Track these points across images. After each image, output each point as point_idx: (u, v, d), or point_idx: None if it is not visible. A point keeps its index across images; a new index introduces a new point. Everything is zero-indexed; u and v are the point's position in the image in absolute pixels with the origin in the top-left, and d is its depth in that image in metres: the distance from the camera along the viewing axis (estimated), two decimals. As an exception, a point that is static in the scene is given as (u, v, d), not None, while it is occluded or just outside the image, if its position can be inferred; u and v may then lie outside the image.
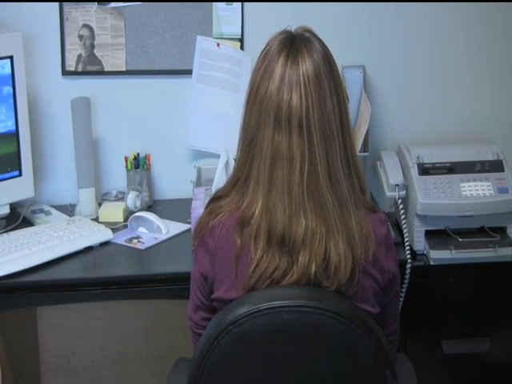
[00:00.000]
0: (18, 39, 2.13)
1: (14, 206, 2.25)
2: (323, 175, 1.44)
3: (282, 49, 1.46)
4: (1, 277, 1.90)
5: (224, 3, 2.34)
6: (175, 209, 2.33)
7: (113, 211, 2.27)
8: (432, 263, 2.07)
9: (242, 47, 2.37)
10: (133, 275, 2.02)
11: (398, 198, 2.10)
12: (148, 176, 2.38)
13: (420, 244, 2.11)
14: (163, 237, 2.15)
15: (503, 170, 2.14)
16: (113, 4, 2.32)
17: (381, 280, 1.51)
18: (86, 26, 2.33)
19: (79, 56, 2.35)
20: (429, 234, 2.10)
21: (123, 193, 2.37)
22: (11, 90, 2.13)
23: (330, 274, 1.43)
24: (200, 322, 1.58)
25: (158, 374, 2.33)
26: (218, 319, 1.43)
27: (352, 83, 2.21)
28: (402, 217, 2.09)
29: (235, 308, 1.40)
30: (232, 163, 2.13)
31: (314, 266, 1.42)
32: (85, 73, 2.36)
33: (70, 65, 2.35)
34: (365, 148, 2.17)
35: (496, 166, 2.15)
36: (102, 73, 2.37)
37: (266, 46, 1.50)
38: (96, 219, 2.25)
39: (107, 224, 2.19)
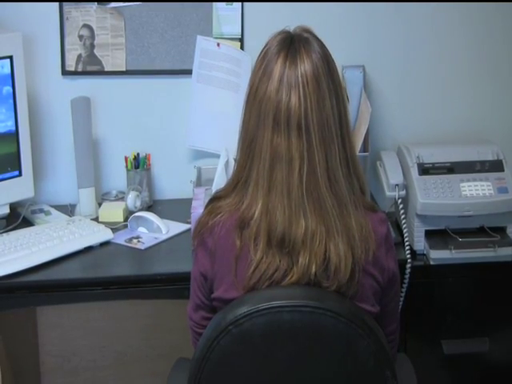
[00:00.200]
0: (17, 39, 2.13)
1: (13, 206, 2.25)
2: (322, 176, 1.44)
3: (280, 49, 1.46)
4: (1, 277, 1.90)
5: (224, 3, 2.34)
6: (175, 209, 2.33)
7: (113, 211, 2.27)
8: (432, 263, 2.07)
9: (242, 47, 2.37)
10: (133, 275, 2.02)
11: (398, 198, 2.10)
12: (148, 176, 2.38)
13: (420, 244, 2.11)
14: (163, 237, 2.15)
15: (503, 170, 2.14)
16: (113, 4, 2.32)
17: (381, 279, 1.51)
18: (85, 25, 2.33)
19: (79, 56, 2.35)
20: (429, 234, 2.10)
21: (123, 193, 2.37)
22: (11, 90, 2.13)
23: (330, 274, 1.43)
24: (200, 321, 1.58)
25: (158, 373, 2.33)
26: (217, 319, 1.43)
27: (352, 83, 2.21)
28: (402, 217, 2.10)
29: (235, 308, 1.40)
30: (232, 163, 2.13)
31: (314, 266, 1.43)
32: (85, 73, 2.36)
33: (70, 65, 2.35)
34: (365, 148, 2.17)
35: (496, 166, 2.15)
36: (101, 73, 2.37)
37: (264, 47, 1.50)
38: (96, 219, 2.25)
39: (107, 224, 2.19)
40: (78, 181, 2.29)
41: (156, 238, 2.14)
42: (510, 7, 2.40)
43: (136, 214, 2.22)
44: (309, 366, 1.42)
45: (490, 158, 2.17)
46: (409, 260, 2.04)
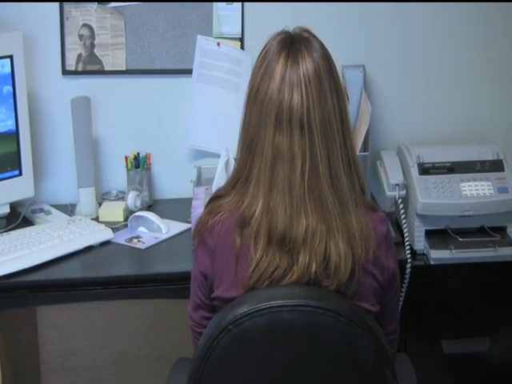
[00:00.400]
0: (18, 38, 2.13)
1: (14, 206, 2.25)
2: (324, 174, 1.44)
3: (281, 49, 1.46)
4: (1, 276, 1.90)
5: (224, 3, 2.34)
6: (175, 208, 2.33)
7: (113, 211, 2.27)
8: (432, 263, 2.07)
9: (242, 47, 2.37)
10: (133, 275, 2.02)
11: (398, 198, 2.10)
12: (148, 175, 2.38)
13: (420, 244, 2.11)
14: (163, 236, 2.15)
15: (503, 170, 2.14)
16: (113, 4, 2.32)
17: (381, 278, 1.51)
18: (86, 25, 2.33)
19: (79, 55, 2.35)
20: (429, 234, 2.10)
21: (123, 192, 2.37)
22: (11, 90, 2.13)
23: (330, 273, 1.43)
24: (200, 321, 1.58)
25: (159, 373, 2.33)
26: (218, 319, 1.43)
27: (352, 83, 2.21)
28: (402, 216, 2.09)
29: (235, 307, 1.40)
30: (232, 163, 2.13)
31: (314, 265, 1.43)
32: (85, 72, 2.36)
33: (70, 64, 2.35)
34: (365, 148, 2.17)
35: (496, 166, 2.15)
36: (102, 72, 2.37)
37: (264, 47, 1.50)
38: (96, 219, 2.25)
39: (107, 223, 2.19)
40: (78, 180, 2.29)
41: (156, 238, 2.14)
42: (510, 7, 2.40)
43: (136, 214, 2.22)
44: (309, 366, 1.42)
45: (490, 157, 2.17)
46: (409, 260, 2.04)
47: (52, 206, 2.33)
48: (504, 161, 2.16)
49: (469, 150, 2.19)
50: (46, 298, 1.98)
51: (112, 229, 2.15)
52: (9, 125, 2.15)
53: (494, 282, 2.11)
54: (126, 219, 2.24)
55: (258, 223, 1.45)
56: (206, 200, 1.64)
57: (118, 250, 2.09)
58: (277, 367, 1.42)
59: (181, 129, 2.40)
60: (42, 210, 2.30)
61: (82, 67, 2.36)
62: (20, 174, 2.19)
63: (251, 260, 1.44)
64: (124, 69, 2.37)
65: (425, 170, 2.13)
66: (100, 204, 2.32)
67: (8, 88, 2.13)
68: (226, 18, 2.36)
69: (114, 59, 2.36)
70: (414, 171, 2.13)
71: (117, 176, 2.41)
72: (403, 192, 2.11)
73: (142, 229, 2.19)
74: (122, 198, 2.35)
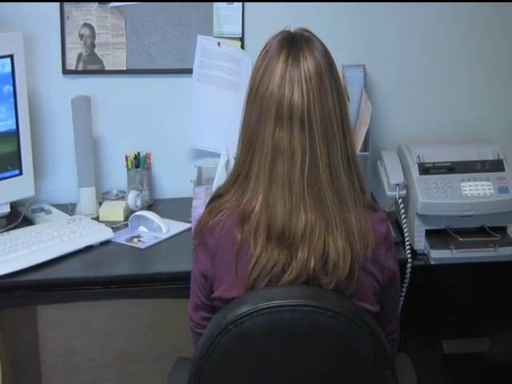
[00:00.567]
0: (18, 38, 2.13)
1: (14, 205, 2.25)
2: (324, 170, 1.44)
3: (282, 47, 1.47)
4: (1, 276, 1.90)
5: (225, 3, 2.34)
6: (176, 208, 2.33)
7: (113, 210, 2.27)
8: (432, 263, 2.07)
9: (242, 46, 2.37)
10: (133, 274, 2.02)
11: (399, 198, 2.10)
12: (148, 175, 2.38)
13: (420, 243, 2.11)
14: (164, 236, 2.15)
15: (503, 170, 2.14)
16: (113, 3, 2.32)
17: (380, 278, 1.51)
18: (86, 25, 2.33)
19: (80, 55, 2.35)
20: (429, 234, 2.10)
21: (124, 192, 2.37)
22: (11, 89, 2.13)
23: (329, 270, 1.44)
24: (200, 321, 1.58)
25: (159, 373, 2.34)
26: (218, 318, 1.43)
27: (352, 82, 2.21)
28: (403, 216, 2.09)
29: (235, 307, 1.40)
30: (232, 162, 2.13)
31: (312, 261, 1.43)
32: (85, 72, 2.36)
33: (71, 64, 2.35)
34: (365, 147, 2.17)
35: (496, 166, 2.15)
36: (102, 72, 2.37)
37: (265, 46, 1.51)
38: (96, 218, 2.25)
39: (108, 223, 2.19)
40: (79, 180, 2.29)
41: (156, 238, 2.14)
42: (509, 7, 2.40)
43: (136, 213, 2.22)
44: (309, 366, 1.42)
45: (490, 157, 2.17)
46: (409, 260, 2.04)
47: (52, 205, 2.33)
48: (504, 161, 2.16)
49: (469, 149, 2.19)
50: (46, 298, 1.98)
51: (112, 228, 2.15)
52: (9, 124, 2.15)
53: (495, 281, 2.11)
54: (126, 219, 2.24)
55: (257, 219, 1.45)
56: (206, 200, 1.64)
57: (119, 249, 2.09)
58: (277, 367, 1.42)
59: (181, 128, 2.40)
60: (42, 210, 2.30)
61: (83, 67, 2.36)
62: (20, 173, 2.19)
63: (251, 256, 1.45)
64: (124, 68, 2.37)
65: (425, 169, 2.13)
66: (100, 203, 2.32)
67: (8, 87, 2.13)
68: (227, 17, 2.35)
69: (114, 59, 2.36)
70: (415, 171, 2.13)
71: (117, 175, 2.40)
72: (403, 192, 2.11)
73: (142, 228, 2.19)
74: (123, 198, 2.35)
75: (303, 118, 1.43)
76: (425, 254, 2.10)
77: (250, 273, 1.45)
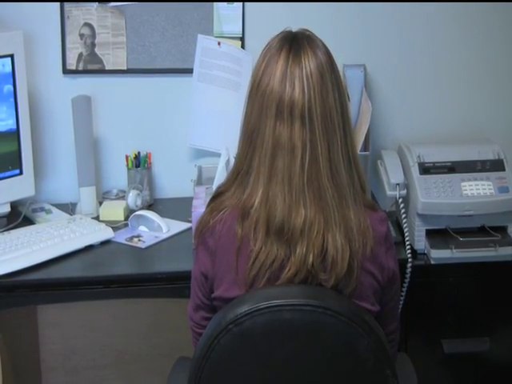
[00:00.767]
0: (18, 37, 2.13)
1: (14, 205, 2.25)
2: (324, 166, 1.45)
3: (283, 44, 1.48)
4: (1, 275, 1.90)
5: (225, 2, 2.34)
6: (176, 207, 2.33)
7: (113, 210, 2.27)
8: (433, 262, 2.07)
9: (242, 46, 2.37)
10: (133, 274, 2.02)
11: (399, 197, 2.10)
12: (149, 175, 2.38)
13: (421, 243, 2.11)
14: (164, 235, 2.15)
15: (504, 170, 2.14)
16: (113, 3, 2.32)
17: (380, 278, 1.51)
18: (86, 24, 2.33)
19: (80, 54, 2.35)
20: (429, 234, 2.10)
21: (124, 191, 2.37)
22: (12, 89, 2.13)
23: (328, 266, 1.44)
24: (200, 321, 1.58)
25: (159, 372, 2.33)
26: (218, 318, 1.43)
27: (353, 82, 2.21)
28: (403, 216, 2.09)
29: (235, 307, 1.40)
30: (233, 162, 2.13)
31: (311, 256, 1.43)
32: (86, 71, 2.36)
33: (71, 63, 2.35)
34: (365, 147, 2.17)
35: (497, 166, 2.15)
36: (102, 71, 2.37)
37: (266, 45, 1.51)
38: (97, 218, 2.25)
39: (108, 223, 2.19)
40: (79, 179, 2.29)
41: (157, 237, 2.14)
42: (509, 7, 2.40)
43: (137, 213, 2.22)
44: (309, 365, 1.42)
45: (490, 157, 2.17)
46: (409, 259, 2.04)
47: (52, 205, 2.33)
48: (505, 160, 2.16)
49: (469, 149, 2.19)
50: (46, 297, 1.98)
51: (112, 228, 2.15)
52: (9, 124, 2.15)
53: (495, 281, 2.11)
54: (126, 218, 2.24)
55: (257, 214, 1.45)
56: (207, 199, 1.64)
57: (119, 249, 2.09)
58: (277, 366, 1.42)
59: (181, 128, 2.40)
60: (42, 209, 2.30)
61: (83, 66, 2.36)
62: (21, 173, 2.19)
63: (251, 252, 1.45)
64: (125, 68, 2.37)
65: (425, 169, 2.13)
66: (100, 203, 2.32)
67: (9, 87, 2.13)
68: (227, 17, 2.35)
69: (114, 58, 2.36)
70: (415, 171, 2.13)
71: (117, 175, 2.41)
72: (404, 191, 2.11)
73: (142, 228, 2.19)
74: (123, 197, 2.35)
75: (304, 113, 1.44)
76: (425, 254, 2.10)
77: (249, 268, 1.45)
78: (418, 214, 2.09)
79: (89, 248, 2.07)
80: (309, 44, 1.47)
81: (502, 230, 2.11)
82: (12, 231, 2.10)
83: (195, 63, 2.36)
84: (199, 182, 2.29)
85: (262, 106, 1.46)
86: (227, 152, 2.19)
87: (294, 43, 1.47)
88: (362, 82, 2.24)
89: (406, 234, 2.07)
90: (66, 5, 2.31)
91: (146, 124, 2.42)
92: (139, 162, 2.36)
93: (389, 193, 2.12)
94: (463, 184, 2.10)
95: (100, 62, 2.36)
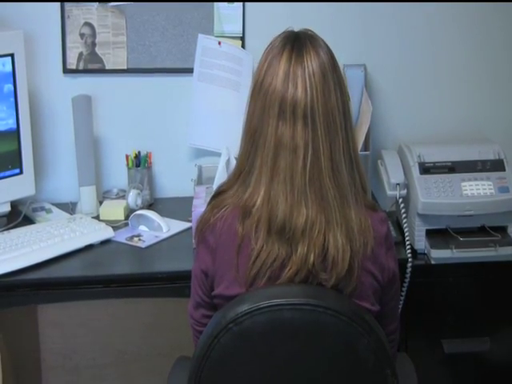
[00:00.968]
0: (19, 37, 2.13)
1: (14, 204, 2.25)
2: (326, 166, 1.45)
3: (285, 44, 1.48)
4: (2, 275, 1.90)
5: (225, 2, 2.34)
6: (176, 207, 2.33)
7: (114, 209, 2.27)
8: (433, 262, 2.07)
9: (243, 45, 2.37)
10: (133, 273, 2.02)
11: (399, 197, 2.10)
12: (149, 174, 2.38)
13: (421, 243, 2.11)
14: (164, 235, 2.15)
15: (504, 170, 2.14)
16: (114, 2, 2.32)
17: (381, 278, 1.51)
18: (87, 24, 2.34)
19: (80, 54, 2.35)
20: (430, 233, 2.10)
21: (124, 191, 2.37)
22: (12, 88, 2.13)
23: (328, 266, 1.44)
24: (200, 319, 1.58)
25: (159, 372, 2.33)
26: (218, 317, 1.43)
27: (353, 82, 2.21)
28: (403, 216, 2.09)
29: (236, 306, 1.40)
30: (233, 161, 2.13)
31: (312, 256, 1.43)
32: (86, 71, 2.36)
33: (71, 63, 2.35)
34: (366, 147, 2.17)
35: (497, 166, 2.15)
36: (103, 71, 2.37)
37: (269, 45, 1.52)
38: (97, 217, 2.25)
39: (108, 222, 2.19)
40: (79, 179, 2.29)
41: (157, 237, 2.14)
42: (509, 7, 2.40)
43: (137, 213, 2.22)
44: (309, 364, 1.42)
45: (491, 157, 2.17)
46: (409, 259, 2.04)
47: (53, 204, 2.33)
48: (505, 160, 2.16)
49: (470, 149, 2.19)
50: (46, 297, 1.98)
51: (113, 227, 2.15)
52: (10, 123, 2.15)
53: (495, 281, 2.11)
54: (126, 218, 2.24)
55: (259, 213, 1.46)
56: (207, 199, 1.64)
57: (119, 248, 2.09)
58: (277, 366, 1.42)
59: (182, 127, 2.40)
60: (42, 209, 2.30)
61: (83, 66, 2.36)
62: (21, 172, 2.19)
63: (252, 250, 1.45)
64: (125, 67, 2.37)
65: (426, 169, 2.13)
66: (101, 202, 2.32)
67: (9, 86, 2.13)
68: (227, 16, 2.35)
69: (115, 58, 2.36)
70: (415, 170, 2.13)
71: (118, 174, 2.41)
72: (404, 191, 2.11)
73: (142, 227, 2.19)
74: (123, 197, 2.35)
75: (306, 113, 1.44)
76: (425, 254, 2.10)
77: (250, 267, 1.45)
78: (418, 213, 2.09)
79: (89, 247, 2.07)
80: (311, 44, 1.48)
81: (502, 230, 2.11)
82: (12, 230, 2.10)
83: (195, 63, 2.36)
84: (199, 181, 2.29)
85: (265, 106, 1.46)
86: (227, 151, 2.19)
87: (297, 43, 1.47)
88: (362, 82, 2.24)
89: (406, 234, 2.07)
90: (67, 4, 2.31)
91: (147, 123, 2.42)
92: (139, 162, 2.36)
93: (389, 193, 2.12)
94: (463, 184, 2.10)
95: (100, 61, 2.36)
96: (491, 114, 2.48)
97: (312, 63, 1.45)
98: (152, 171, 2.40)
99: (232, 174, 1.56)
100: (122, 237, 2.14)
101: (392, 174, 2.13)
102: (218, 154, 2.25)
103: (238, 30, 2.36)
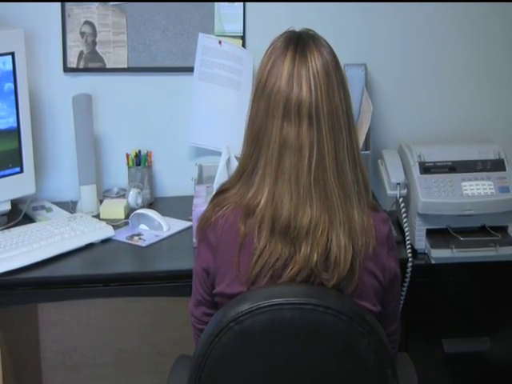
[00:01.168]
0: (19, 36, 2.13)
1: (15, 203, 2.25)
2: (331, 165, 1.45)
3: (288, 44, 1.48)
4: (2, 273, 1.90)
5: (226, 2, 2.34)
6: (176, 206, 2.33)
7: (114, 208, 2.27)
8: (433, 262, 2.07)
9: (243, 45, 2.37)
10: (134, 272, 2.02)
11: (400, 197, 2.10)
12: (149, 173, 2.38)
13: (421, 243, 2.11)
14: (164, 234, 2.15)
15: (504, 170, 2.14)
16: (114, 1, 2.32)
17: (382, 279, 1.51)
18: (87, 22, 2.33)
19: (81, 53, 2.35)
20: (430, 233, 2.10)
21: (124, 190, 2.37)
22: (12, 87, 2.13)
23: (330, 265, 1.44)
24: (201, 317, 1.58)
25: (159, 371, 2.33)
26: (219, 316, 1.43)
27: (354, 81, 2.21)
28: (403, 215, 2.09)
29: (236, 305, 1.40)
30: (233, 161, 2.13)
31: (315, 255, 1.43)
32: (86, 70, 2.36)
33: (72, 61, 2.35)
34: (366, 146, 2.18)
35: (497, 166, 2.14)
36: (103, 70, 2.37)
37: (271, 45, 1.52)
38: (97, 216, 2.25)
39: (108, 221, 2.19)
40: (80, 178, 2.29)
41: (157, 236, 2.14)
42: (509, 7, 2.40)
43: (137, 211, 2.22)
44: (309, 364, 1.42)
45: (491, 157, 2.17)
46: (410, 259, 2.04)
47: (53, 203, 2.33)
48: (505, 160, 2.16)
49: (470, 149, 2.19)
50: (47, 296, 1.98)
51: (113, 226, 2.15)
52: (10, 122, 2.15)
53: (495, 281, 2.11)
54: (126, 217, 2.24)
55: (262, 212, 1.46)
56: (207, 198, 1.64)
57: (119, 247, 2.09)
58: (277, 365, 1.42)
59: (182, 126, 2.40)
60: (43, 207, 2.30)
61: (84, 64, 2.36)
62: (21, 171, 2.19)
63: (255, 249, 1.45)
64: (125, 66, 2.37)
65: (426, 169, 2.13)
66: (101, 201, 2.32)
67: (9, 85, 2.13)
68: (228, 16, 2.35)
69: (115, 57, 2.36)
70: (415, 170, 2.13)
71: (118, 173, 2.41)
72: (404, 191, 2.11)
73: (142, 226, 2.19)
74: (123, 196, 2.35)
75: (311, 112, 1.44)
76: (425, 254, 2.10)
77: (252, 266, 1.45)
78: (419, 213, 2.09)
79: (89, 246, 2.07)
80: (314, 43, 1.48)
81: (502, 229, 2.11)
82: (12, 229, 2.10)
83: (196, 62, 2.35)
84: (200, 180, 2.29)
85: (269, 106, 1.46)
86: (228, 151, 2.19)
87: (300, 43, 1.48)
88: (362, 82, 2.24)
89: (407, 234, 2.07)
90: (67, 3, 2.31)
91: (147, 122, 2.42)
92: (140, 161, 2.36)
93: (389, 192, 2.12)
94: (464, 184, 2.09)
95: (101, 60, 2.36)
96: (492, 114, 2.48)
97: (316, 63, 1.45)
98: (152, 170, 2.40)
99: (234, 174, 1.56)
100: (122, 236, 2.14)
101: (392, 173, 2.13)
102: (219, 153, 2.25)
103: (239, 30, 2.36)
